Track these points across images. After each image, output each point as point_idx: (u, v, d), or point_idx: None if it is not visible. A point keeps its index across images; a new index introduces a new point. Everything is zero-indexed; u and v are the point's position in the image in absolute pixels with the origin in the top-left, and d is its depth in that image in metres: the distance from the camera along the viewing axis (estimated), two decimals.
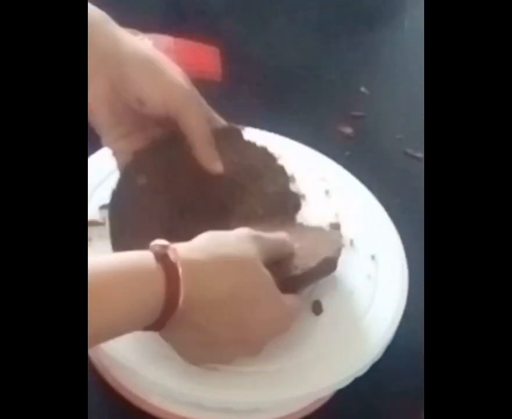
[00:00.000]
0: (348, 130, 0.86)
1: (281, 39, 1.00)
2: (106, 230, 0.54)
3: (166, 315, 0.44)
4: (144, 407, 0.53)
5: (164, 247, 0.44)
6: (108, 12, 0.81)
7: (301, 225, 0.58)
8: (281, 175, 0.60)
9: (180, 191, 0.55)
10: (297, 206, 0.59)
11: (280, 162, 0.60)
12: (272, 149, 0.60)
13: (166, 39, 0.87)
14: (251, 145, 0.60)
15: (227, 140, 0.58)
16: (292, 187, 0.60)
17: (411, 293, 0.56)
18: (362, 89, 0.94)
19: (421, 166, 0.80)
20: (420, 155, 0.83)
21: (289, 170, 0.60)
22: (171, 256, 0.44)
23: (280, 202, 0.58)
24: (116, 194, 0.55)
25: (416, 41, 0.75)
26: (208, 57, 0.88)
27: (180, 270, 0.43)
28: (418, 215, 0.53)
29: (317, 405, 0.55)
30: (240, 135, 0.60)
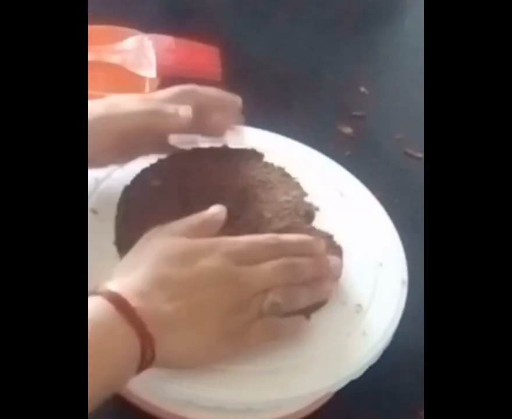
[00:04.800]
0: (348, 130, 0.86)
1: (281, 39, 1.00)
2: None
3: (145, 362, 0.44)
4: (142, 406, 0.53)
5: (119, 298, 0.44)
6: (109, 12, 0.82)
7: (312, 229, 0.58)
8: (295, 189, 0.61)
9: (190, 198, 0.57)
10: (309, 215, 0.59)
11: (297, 180, 0.62)
12: (289, 170, 0.62)
13: (166, 39, 0.87)
14: (268, 165, 0.62)
15: (246, 161, 0.62)
16: (306, 199, 0.60)
17: (410, 293, 0.56)
18: (362, 89, 0.94)
19: (421, 166, 0.79)
20: (420, 155, 0.83)
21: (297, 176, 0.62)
22: (137, 313, 0.44)
23: (290, 209, 0.59)
24: (128, 189, 0.57)
25: (416, 41, 0.75)
26: (208, 57, 0.88)
27: (149, 326, 0.44)
28: (418, 215, 0.53)
29: (317, 406, 0.55)
30: (260, 158, 0.63)
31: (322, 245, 0.53)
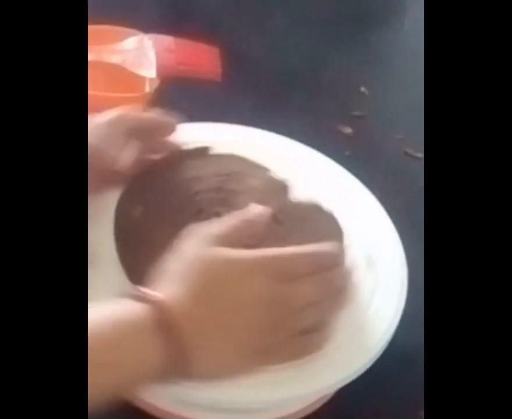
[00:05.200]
0: (348, 130, 0.86)
1: (281, 39, 0.99)
2: None
3: (172, 367, 0.44)
4: (145, 407, 0.53)
5: (154, 303, 0.44)
6: (109, 12, 0.82)
7: (297, 205, 0.59)
8: (258, 169, 0.62)
9: (175, 215, 0.56)
10: (285, 188, 0.60)
11: (252, 159, 0.62)
12: (241, 152, 0.62)
13: (166, 39, 0.87)
14: (222, 156, 0.62)
15: (198, 159, 0.61)
16: (274, 175, 0.61)
17: (410, 293, 0.56)
18: (362, 89, 0.93)
19: (421, 166, 0.79)
20: (420, 155, 0.83)
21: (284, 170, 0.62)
22: (167, 315, 0.44)
23: (267, 190, 0.60)
24: (117, 227, 0.55)
25: (416, 41, 0.75)
26: (208, 57, 0.88)
27: (185, 342, 0.44)
28: (418, 215, 0.53)
29: (317, 406, 0.55)
30: (208, 152, 0.62)
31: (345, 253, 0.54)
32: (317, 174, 0.65)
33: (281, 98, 0.88)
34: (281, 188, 0.61)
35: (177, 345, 0.44)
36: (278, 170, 0.62)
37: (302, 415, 0.54)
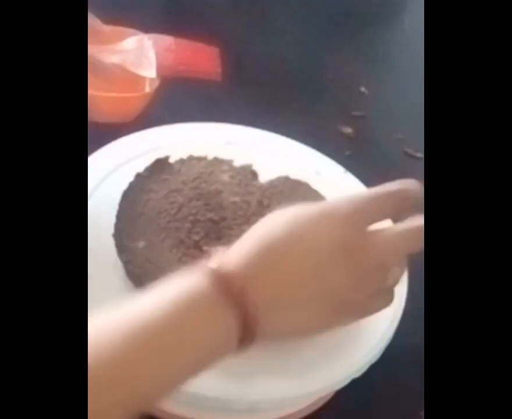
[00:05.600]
0: (348, 130, 0.86)
1: (282, 39, 1.00)
2: None
3: (245, 341, 0.41)
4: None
5: (222, 276, 0.41)
6: (109, 12, 0.82)
7: (272, 184, 0.60)
8: (222, 163, 0.62)
9: (179, 238, 0.55)
10: (255, 174, 0.62)
11: (213, 155, 0.63)
12: (189, 152, 0.62)
13: (166, 39, 0.87)
14: (178, 163, 0.61)
15: (163, 172, 0.60)
16: (238, 164, 0.62)
17: (411, 293, 0.56)
18: (362, 89, 0.94)
19: (421, 166, 0.80)
20: (420, 155, 0.84)
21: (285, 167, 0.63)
22: (226, 280, 0.40)
23: (241, 179, 0.60)
24: (129, 265, 0.54)
25: (416, 41, 0.75)
26: (208, 57, 0.88)
27: (253, 308, 0.40)
28: None
29: (317, 406, 0.55)
30: (168, 160, 0.62)
31: None
32: (318, 174, 0.65)
33: (281, 98, 0.89)
34: (251, 174, 0.61)
35: (243, 310, 0.40)
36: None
37: (302, 415, 0.54)
